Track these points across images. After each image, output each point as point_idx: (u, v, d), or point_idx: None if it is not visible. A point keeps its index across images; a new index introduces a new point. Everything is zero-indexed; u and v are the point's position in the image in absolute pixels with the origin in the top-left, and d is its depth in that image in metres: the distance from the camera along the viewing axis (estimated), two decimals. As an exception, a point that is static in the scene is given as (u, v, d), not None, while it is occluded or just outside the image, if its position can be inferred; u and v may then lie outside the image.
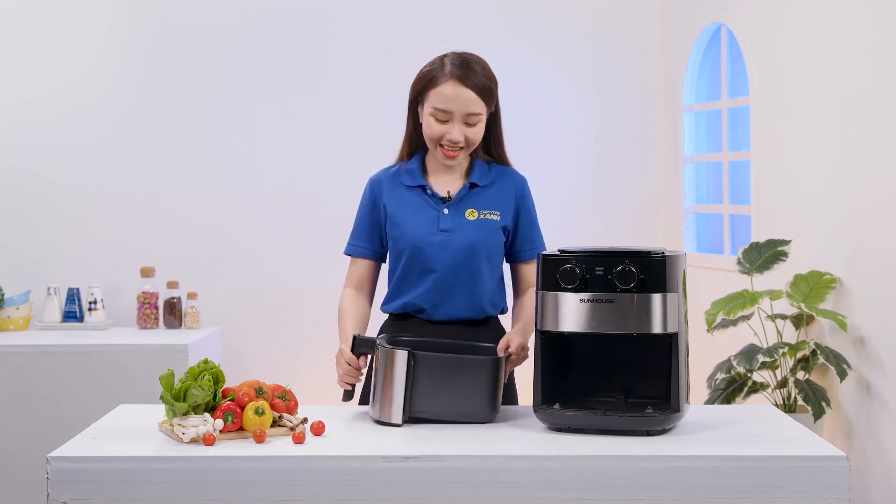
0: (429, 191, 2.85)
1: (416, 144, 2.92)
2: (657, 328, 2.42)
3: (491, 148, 2.92)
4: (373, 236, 2.90)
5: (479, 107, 2.78)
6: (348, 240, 2.94)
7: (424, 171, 2.89)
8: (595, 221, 5.35)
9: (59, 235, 5.14)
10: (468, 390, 2.51)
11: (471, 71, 2.77)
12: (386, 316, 2.97)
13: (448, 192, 2.86)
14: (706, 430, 2.48)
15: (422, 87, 2.81)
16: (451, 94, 2.75)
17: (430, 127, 2.79)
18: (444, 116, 2.77)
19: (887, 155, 3.68)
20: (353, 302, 2.93)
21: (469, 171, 2.89)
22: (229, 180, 5.21)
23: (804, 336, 4.06)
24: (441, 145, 2.79)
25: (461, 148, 2.80)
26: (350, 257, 2.96)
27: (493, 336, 2.89)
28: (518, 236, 2.90)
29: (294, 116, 5.23)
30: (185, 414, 2.42)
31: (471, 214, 2.84)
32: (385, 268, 2.97)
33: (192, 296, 4.96)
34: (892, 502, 3.69)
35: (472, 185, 2.86)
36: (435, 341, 2.67)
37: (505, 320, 3.00)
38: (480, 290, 2.86)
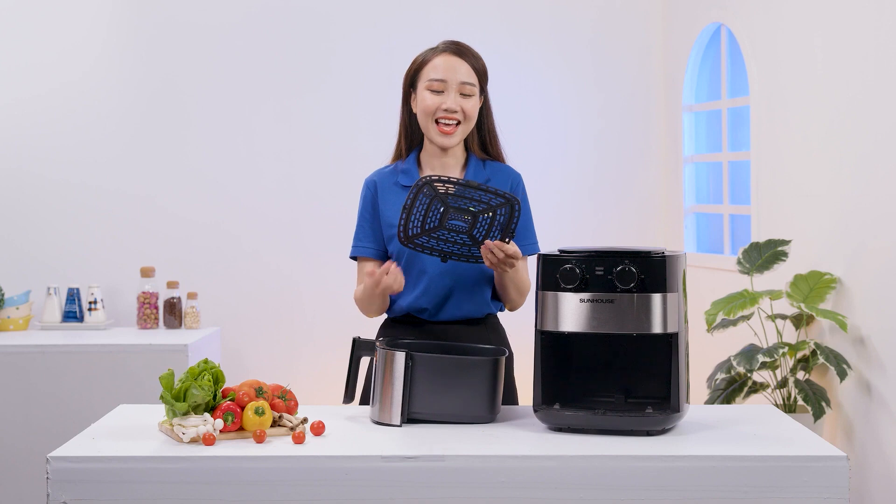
0: None
1: (411, 138, 2.92)
2: (657, 328, 2.42)
3: (487, 143, 2.92)
4: (376, 236, 2.89)
5: (473, 79, 2.83)
6: (353, 242, 2.93)
7: (420, 169, 2.90)
8: (595, 221, 5.36)
9: (59, 235, 5.14)
10: (467, 391, 2.51)
11: (462, 47, 2.86)
12: (383, 318, 2.97)
13: None
14: (706, 430, 2.48)
15: (414, 71, 2.87)
16: (445, 65, 2.82)
17: (424, 102, 2.82)
18: (440, 86, 2.80)
19: (887, 155, 3.68)
20: None
21: (464, 168, 2.89)
22: (229, 180, 5.21)
23: (804, 336, 4.07)
24: (437, 121, 2.81)
25: (458, 123, 2.81)
26: (357, 260, 2.93)
27: (493, 334, 2.90)
28: None
29: (294, 116, 5.23)
30: (185, 414, 2.42)
31: None
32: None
33: (192, 296, 4.96)
34: (892, 502, 3.70)
35: None
36: (434, 343, 2.67)
37: (503, 318, 3.00)
38: (481, 288, 2.86)
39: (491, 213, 2.58)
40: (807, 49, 4.18)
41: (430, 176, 2.56)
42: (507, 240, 2.62)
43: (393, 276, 2.71)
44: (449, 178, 2.56)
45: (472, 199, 2.57)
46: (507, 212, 2.57)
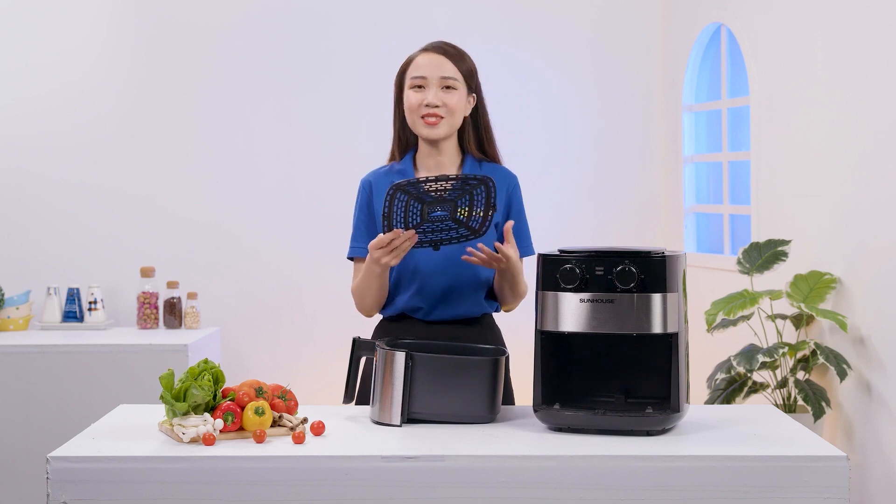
0: None
1: (405, 143, 2.93)
2: (657, 328, 2.42)
3: (484, 144, 2.92)
4: (371, 236, 2.89)
5: (455, 73, 2.84)
6: (350, 243, 2.94)
7: (416, 170, 2.90)
8: (595, 221, 5.36)
9: (59, 235, 5.14)
10: (467, 391, 2.51)
11: (445, 44, 2.88)
12: (379, 318, 2.97)
13: None
14: (706, 430, 2.48)
15: (401, 73, 2.89)
16: (425, 61, 2.84)
17: (408, 100, 2.84)
18: (420, 82, 2.82)
19: (887, 155, 3.68)
20: None
21: (460, 169, 2.90)
22: (229, 180, 5.21)
23: (804, 336, 4.07)
24: (422, 117, 2.82)
25: (441, 117, 2.81)
26: (354, 260, 2.94)
27: (489, 334, 2.90)
28: None
29: (294, 116, 5.23)
30: (185, 414, 2.42)
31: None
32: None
33: (192, 296, 4.96)
34: (892, 502, 3.70)
35: None
36: (434, 343, 2.67)
37: (499, 318, 3.00)
38: (475, 288, 2.86)
39: (468, 196, 2.59)
40: (807, 49, 4.18)
41: (399, 182, 2.57)
42: (490, 213, 2.62)
43: (403, 239, 2.62)
44: (418, 179, 2.56)
45: (447, 189, 2.57)
46: (484, 190, 2.58)
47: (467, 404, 2.52)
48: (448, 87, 2.82)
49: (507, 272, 2.77)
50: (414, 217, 2.59)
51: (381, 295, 2.85)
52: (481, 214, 2.61)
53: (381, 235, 2.64)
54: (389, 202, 2.56)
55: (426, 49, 2.87)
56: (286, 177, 5.23)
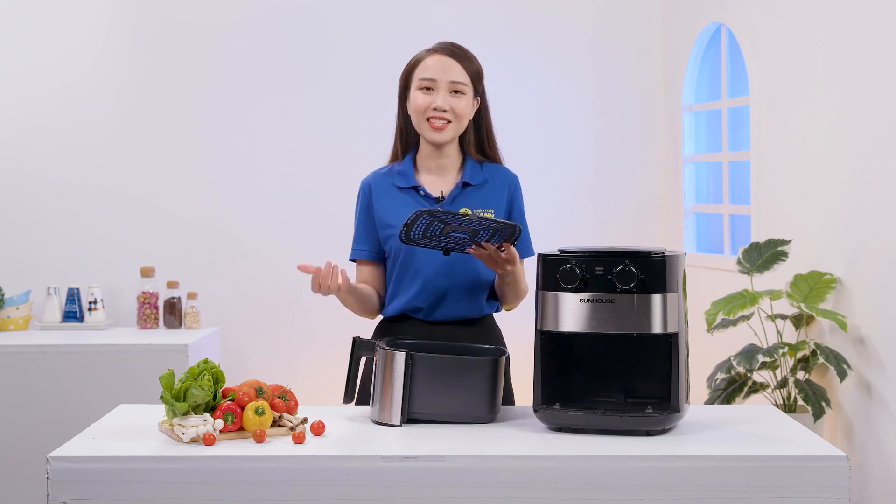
0: (422, 191, 2.86)
1: (407, 141, 2.93)
2: (657, 328, 2.42)
3: (484, 145, 2.92)
4: (372, 239, 2.90)
5: (464, 77, 2.83)
6: (351, 245, 2.94)
7: (416, 171, 2.90)
8: (595, 221, 5.36)
9: (59, 235, 5.14)
10: (467, 391, 2.51)
11: (454, 46, 2.87)
12: (379, 319, 2.97)
13: (441, 192, 2.87)
14: (706, 430, 2.48)
15: (408, 72, 2.88)
16: (434, 64, 2.83)
17: (415, 101, 2.83)
18: (429, 84, 2.82)
19: (887, 155, 3.68)
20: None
21: (461, 170, 2.89)
22: (229, 180, 5.21)
23: (804, 336, 4.07)
24: (428, 119, 2.81)
25: (448, 121, 2.81)
26: (355, 263, 2.95)
27: (489, 334, 2.90)
28: None
29: (294, 116, 5.23)
30: (185, 414, 2.42)
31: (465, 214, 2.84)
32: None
33: (192, 296, 4.96)
34: (892, 502, 3.70)
35: (465, 185, 2.87)
36: (434, 343, 2.67)
37: (499, 318, 3.00)
38: (477, 290, 2.86)
39: (491, 231, 2.59)
40: (807, 49, 4.18)
41: (429, 209, 2.55)
42: (509, 245, 2.64)
43: (327, 275, 2.67)
44: (447, 212, 2.54)
45: (472, 221, 2.57)
46: (508, 231, 2.58)
47: (467, 404, 2.52)
48: (456, 92, 2.82)
49: (509, 275, 2.77)
50: (434, 231, 2.60)
51: (362, 307, 2.88)
52: (498, 245, 2.63)
53: (308, 264, 2.67)
54: (413, 218, 2.55)
55: (435, 50, 2.85)
56: (286, 177, 5.23)
